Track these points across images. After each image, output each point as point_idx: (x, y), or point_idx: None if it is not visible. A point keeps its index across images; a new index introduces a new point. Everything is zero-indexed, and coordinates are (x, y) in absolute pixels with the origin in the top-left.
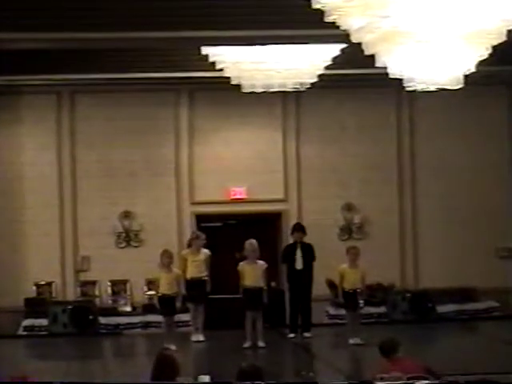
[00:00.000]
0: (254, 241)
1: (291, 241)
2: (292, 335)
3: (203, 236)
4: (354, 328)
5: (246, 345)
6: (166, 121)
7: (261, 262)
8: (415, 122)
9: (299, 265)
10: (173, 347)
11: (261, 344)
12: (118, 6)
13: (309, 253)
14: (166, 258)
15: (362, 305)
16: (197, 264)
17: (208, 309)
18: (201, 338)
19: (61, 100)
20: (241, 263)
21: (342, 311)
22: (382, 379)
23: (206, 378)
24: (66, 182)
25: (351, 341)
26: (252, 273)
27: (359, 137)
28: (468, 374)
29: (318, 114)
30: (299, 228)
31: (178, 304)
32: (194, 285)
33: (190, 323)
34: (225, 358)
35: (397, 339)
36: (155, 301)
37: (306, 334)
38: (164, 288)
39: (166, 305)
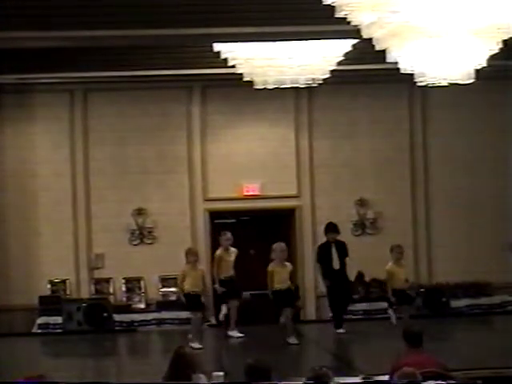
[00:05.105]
0: (282, 243)
1: (323, 239)
2: (341, 331)
3: (228, 234)
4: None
5: (292, 341)
6: (178, 118)
7: (288, 264)
8: (428, 117)
9: (336, 265)
10: (197, 345)
11: (291, 341)
12: (130, 3)
13: (343, 251)
14: (192, 255)
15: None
16: (230, 264)
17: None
18: (237, 333)
19: (74, 98)
20: (271, 264)
21: (361, 306)
22: (392, 376)
23: (221, 375)
24: (79, 180)
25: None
26: (282, 274)
27: (372, 132)
28: (483, 368)
29: (331, 110)
30: (333, 228)
31: (204, 300)
32: (227, 283)
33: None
34: (242, 355)
35: (421, 331)
36: (182, 298)
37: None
38: (190, 285)
39: (192, 302)
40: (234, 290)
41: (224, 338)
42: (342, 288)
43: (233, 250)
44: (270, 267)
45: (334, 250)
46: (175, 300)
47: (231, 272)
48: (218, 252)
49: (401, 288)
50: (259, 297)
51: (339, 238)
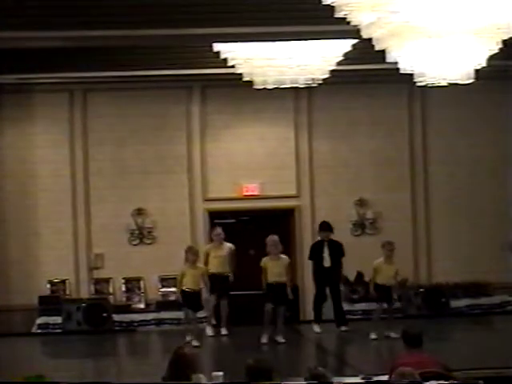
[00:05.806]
0: (275, 236)
1: (318, 238)
2: (344, 328)
3: (218, 229)
4: (388, 321)
5: (264, 340)
6: (178, 118)
7: (284, 257)
8: (427, 117)
9: (327, 263)
10: (196, 343)
11: (280, 340)
12: (130, 3)
13: (337, 250)
14: (192, 254)
15: (396, 300)
16: (219, 260)
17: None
18: (223, 331)
19: (73, 98)
20: (263, 259)
21: (360, 306)
22: (391, 376)
23: (221, 375)
24: (79, 180)
25: (386, 333)
26: (275, 268)
27: (371, 132)
28: (483, 368)
29: (330, 110)
30: (326, 227)
31: (203, 299)
32: (216, 279)
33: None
34: (243, 354)
35: (421, 332)
36: (179, 296)
37: (344, 328)
38: (189, 284)
39: (190, 300)
40: (222, 287)
41: (220, 337)
42: (331, 286)
43: (228, 245)
44: (262, 262)
45: (325, 249)
46: (175, 300)
47: (224, 268)
48: (206, 247)
49: (384, 284)
50: (259, 297)
51: (336, 238)
